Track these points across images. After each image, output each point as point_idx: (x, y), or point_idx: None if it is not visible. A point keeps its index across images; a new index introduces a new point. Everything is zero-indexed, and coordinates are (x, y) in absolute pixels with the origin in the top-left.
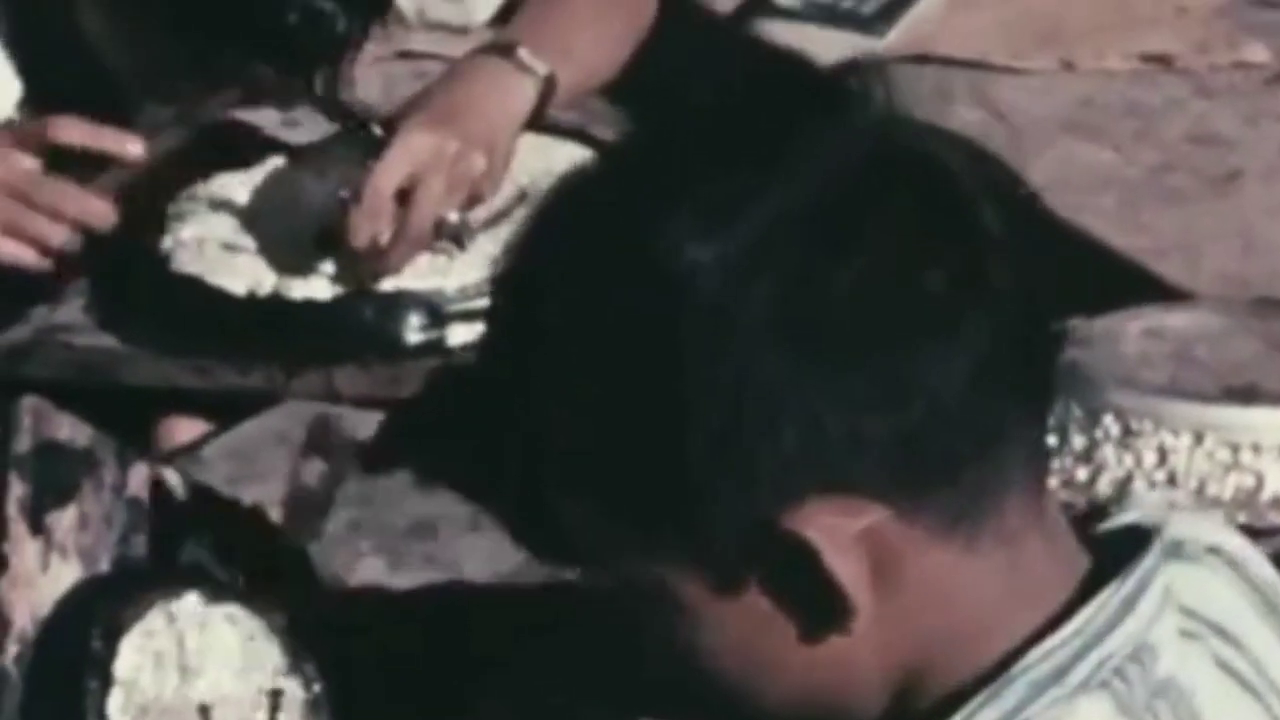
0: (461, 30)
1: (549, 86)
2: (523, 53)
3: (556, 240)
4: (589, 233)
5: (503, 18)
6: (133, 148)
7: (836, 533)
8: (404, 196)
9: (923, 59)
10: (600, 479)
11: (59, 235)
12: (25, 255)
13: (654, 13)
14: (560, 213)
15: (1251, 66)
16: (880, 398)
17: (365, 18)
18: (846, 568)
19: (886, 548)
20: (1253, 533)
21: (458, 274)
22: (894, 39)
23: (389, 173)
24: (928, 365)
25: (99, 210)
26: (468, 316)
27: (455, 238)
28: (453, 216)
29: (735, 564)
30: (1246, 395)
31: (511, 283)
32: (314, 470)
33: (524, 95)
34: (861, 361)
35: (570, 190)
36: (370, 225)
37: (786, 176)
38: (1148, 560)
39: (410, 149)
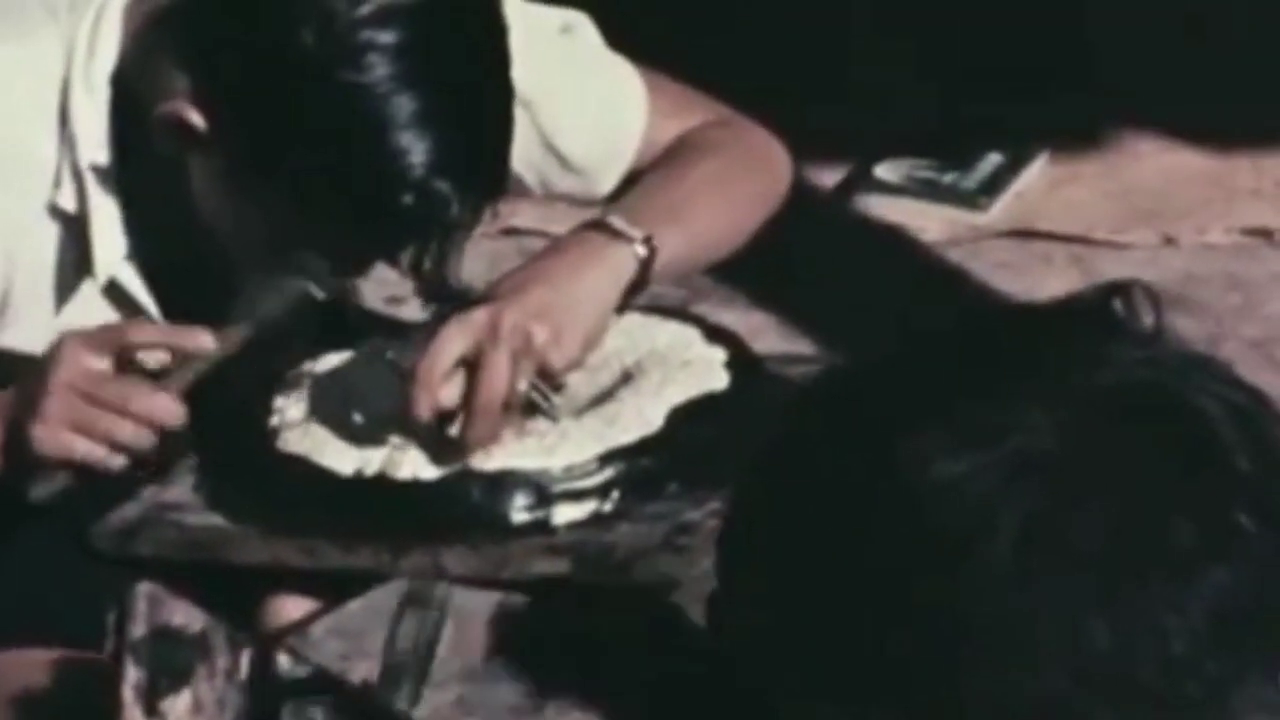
0: (585, 203)
1: (650, 252)
2: (616, 220)
3: (804, 445)
4: (840, 438)
5: (627, 189)
6: (204, 341)
7: None
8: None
9: (1025, 233)
10: (822, 673)
11: (126, 432)
12: (96, 452)
13: (788, 181)
14: (811, 417)
15: None
16: (1110, 642)
17: (480, 199)
18: None
19: None
20: None
21: (564, 453)
22: (996, 213)
23: (444, 342)
24: (1162, 614)
25: (165, 407)
26: (574, 496)
27: (541, 411)
28: (522, 387)
29: None
30: None
31: (757, 483)
32: (409, 632)
33: (617, 264)
34: (1095, 606)
35: (822, 395)
36: (428, 396)
37: (1043, 407)
38: None
39: (468, 321)
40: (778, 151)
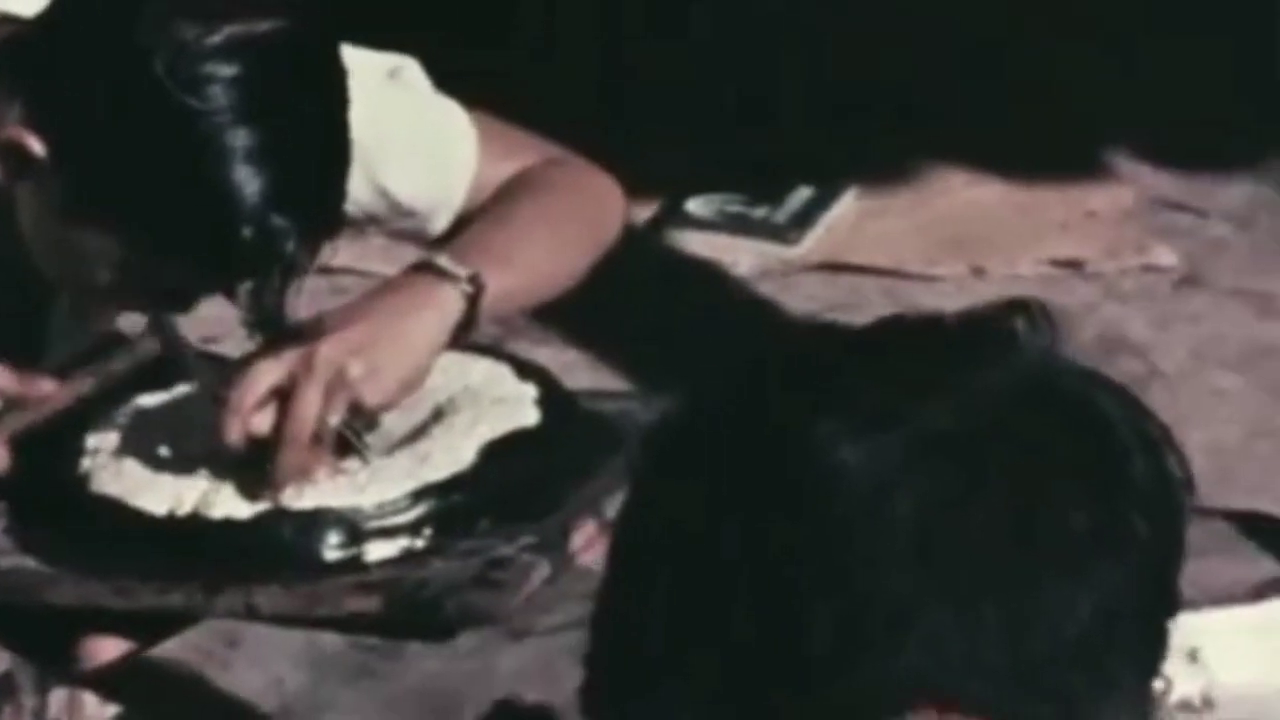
0: (413, 242)
1: (476, 291)
2: (442, 260)
3: (701, 439)
4: (739, 417)
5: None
6: (46, 391)
7: None
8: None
9: (836, 266)
10: (719, 660)
11: None
12: None
13: (621, 219)
14: (710, 402)
15: (1161, 270)
16: (1003, 627)
17: (318, 235)
18: None
19: None
20: None
21: (376, 491)
22: (807, 247)
23: (257, 371)
24: (1054, 602)
25: None
26: (386, 533)
27: (354, 449)
28: (333, 421)
29: None
30: None
31: (657, 464)
32: None
33: (443, 303)
34: (991, 589)
35: (720, 388)
36: (238, 423)
37: (943, 396)
38: None
39: (283, 352)
40: (611, 190)
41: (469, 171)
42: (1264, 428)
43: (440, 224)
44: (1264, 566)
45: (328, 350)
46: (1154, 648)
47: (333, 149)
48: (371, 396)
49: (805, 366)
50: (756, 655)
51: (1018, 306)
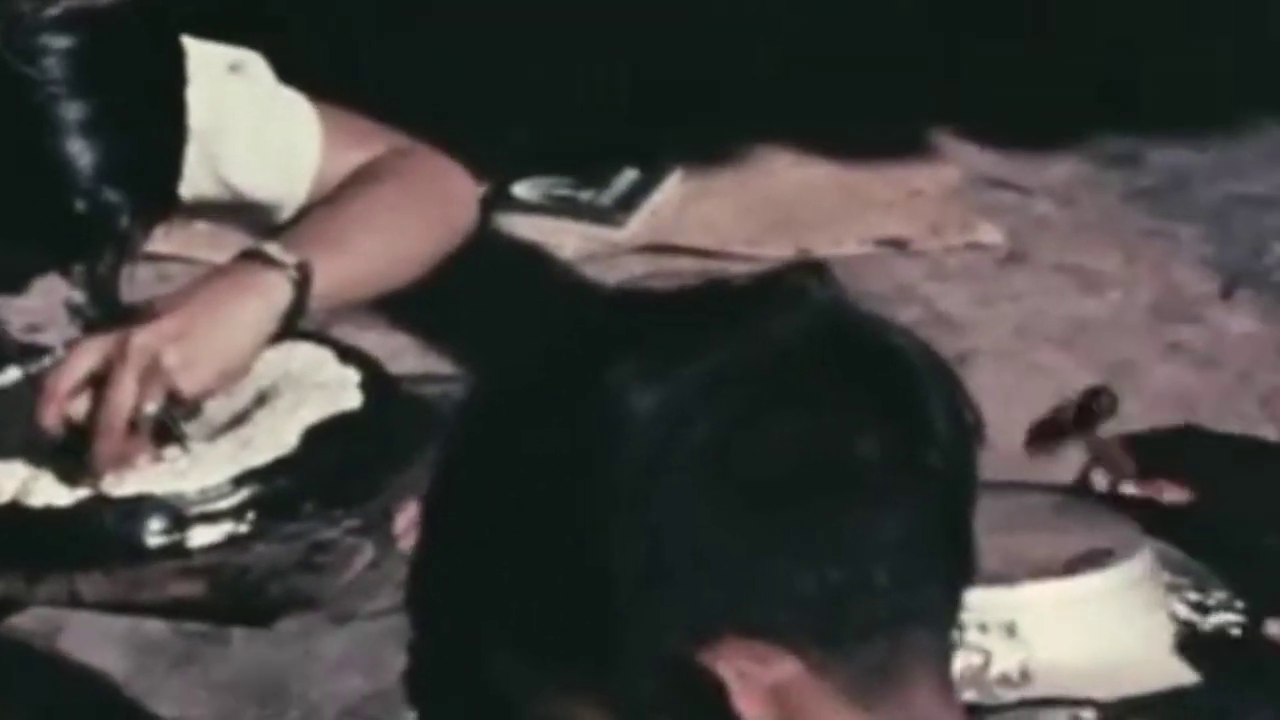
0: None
1: (304, 278)
2: (270, 247)
3: (506, 388)
4: (538, 376)
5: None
6: None
7: (748, 677)
8: None
9: (661, 248)
10: (526, 612)
11: None
12: None
13: (471, 209)
14: (512, 368)
15: (985, 248)
16: (806, 554)
17: (151, 212)
18: (754, 712)
19: (796, 701)
20: (982, 710)
21: (198, 477)
22: (633, 229)
23: (73, 357)
24: (855, 530)
25: None
26: (209, 518)
27: (171, 436)
28: (150, 409)
29: (649, 701)
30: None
31: (465, 425)
32: None
33: (269, 291)
34: (790, 517)
35: (522, 357)
36: (54, 407)
37: (733, 337)
38: None
39: (100, 339)
40: (460, 179)
41: (313, 162)
42: None
43: (283, 215)
44: (1082, 540)
45: (143, 338)
46: (956, 583)
47: (168, 126)
48: (188, 385)
49: (600, 324)
50: (567, 605)
51: (808, 266)
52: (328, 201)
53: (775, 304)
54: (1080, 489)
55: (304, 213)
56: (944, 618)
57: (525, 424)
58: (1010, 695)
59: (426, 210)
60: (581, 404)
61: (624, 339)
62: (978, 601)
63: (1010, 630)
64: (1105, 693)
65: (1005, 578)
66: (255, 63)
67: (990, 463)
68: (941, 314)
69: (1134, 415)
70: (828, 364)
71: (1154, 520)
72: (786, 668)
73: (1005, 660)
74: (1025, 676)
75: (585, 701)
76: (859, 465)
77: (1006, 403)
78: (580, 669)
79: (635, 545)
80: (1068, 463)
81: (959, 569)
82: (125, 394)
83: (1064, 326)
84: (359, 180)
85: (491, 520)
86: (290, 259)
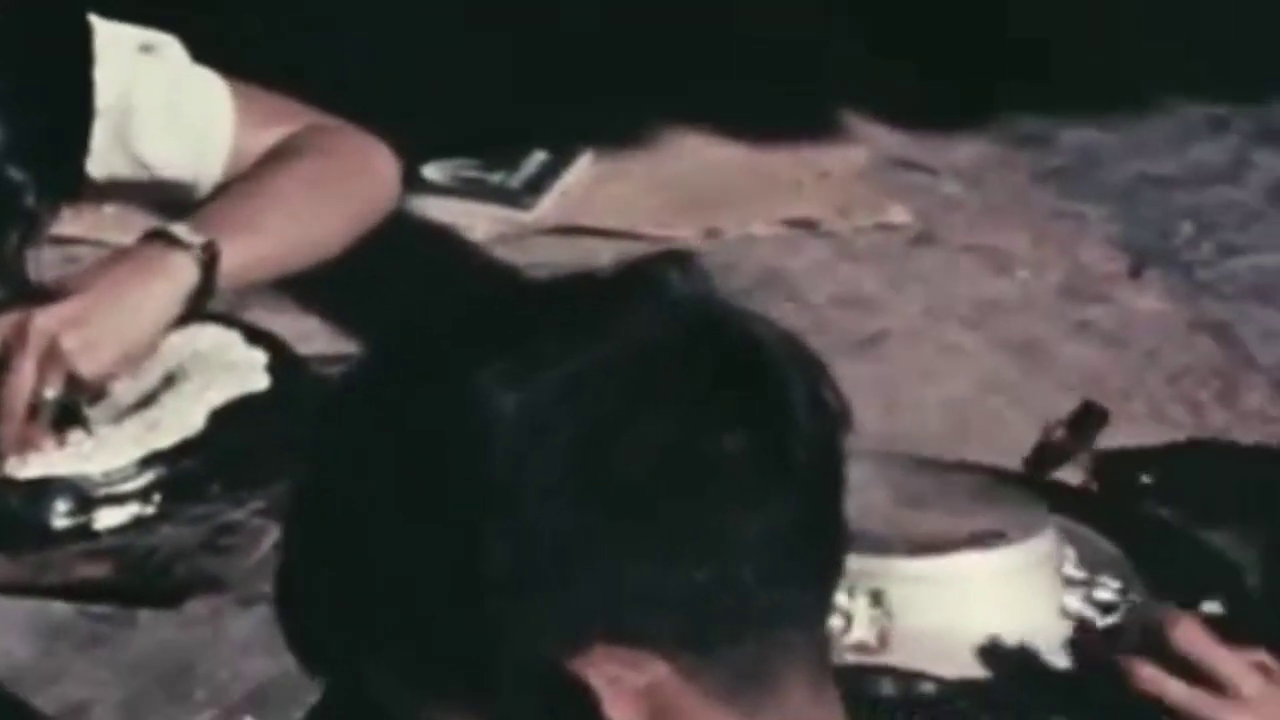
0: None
1: (210, 258)
2: (176, 228)
3: (373, 389)
4: (405, 380)
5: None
6: None
7: (619, 683)
8: None
9: (571, 230)
10: (397, 622)
11: None
12: None
13: (392, 186)
14: (378, 365)
15: (894, 228)
16: (673, 556)
17: (57, 192)
18: (625, 717)
19: (667, 705)
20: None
21: (104, 458)
22: (542, 211)
23: None
24: (722, 530)
25: None
26: (115, 500)
27: (75, 419)
28: (50, 394)
29: (518, 709)
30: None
31: (330, 424)
32: None
33: (175, 272)
34: (656, 519)
35: (391, 345)
36: None
37: (595, 337)
38: None
39: None
40: (380, 155)
41: (226, 138)
42: (996, 383)
43: (198, 194)
44: (983, 521)
45: (42, 321)
46: (825, 578)
47: (73, 105)
48: (88, 368)
49: (470, 320)
50: (439, 614)
51: (671, 257)
52: (241, 179)
53: (637, 299)
54: (1003, 472)
55: (218, 191)
56: (815, 615)
57: (391, 428)
58: (861, 660)
59: (344, 187)
60: (447, 408)
61: (489, 340)
62: (852, 567)
63: (876, 599)
64: (957, 671)
65: (885, 548)
66: (169, 44)
67: (909, 440)
68: (853, 296)
69: (1041, 394)
70: (689, 361)
71: (1086, 511)
72: (657, 672)
73: (865, 627)
74: (883, 643)
75: (463, 715)
76: (722, 463)
77: (918, 382)
78: (454, 681)
79: (504, 550)
80: (982, 440)
81: (828, 565)
82: (24, 378)
83: (973, 306)
84: (275, 157)
85: (359, 528)
86: (196, 239)
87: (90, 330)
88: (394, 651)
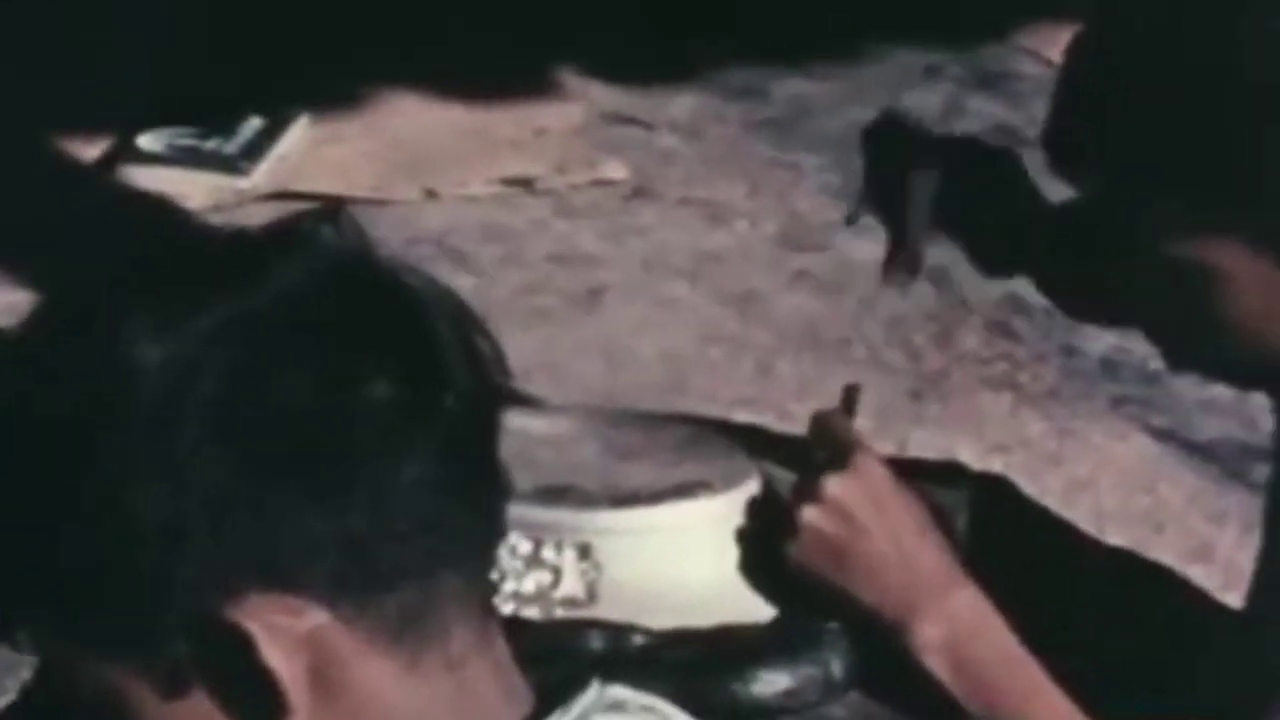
0: None
1: None
2: None
3: (25, 343)
4: (57, 334)
5: None
6: None
7: (276, 630)
8: None
9: (286, 195)
10: (51, 577)
11: None
12: None
13: None
14: (34, 319)
15: (611, 183)
16: (323, 503)
17: None
18: (283, 665)
19: (327, 652)
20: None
21: None
22: (259, 177)
23: None
24: (371, 474)
25: None
26: None
27: None
28: None
29: (178, 661)
30: (558, 495)
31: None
32: None
33: None
34: (304, 468)
35: (48, 301)
36: None
37: (236, 288)
38: (588, 697)
39: None
40: None
41: None
42: (715, 334)
43: None
44: (690, 472)
45: None
46: (488, 524)
47: None
48: None
49: (122, 274)
50: (96, 569)
51: (324, 213)
52: None
53: (287, 253)
54: (712, 422)
55: None
56: (477, 559)
57: (43, 380)
58: (571, 615)
59: None
60: (96, 360)
61: (138, 293)
62: (559, 521)
63: (584, 552)
64: (667, 622)
65: (592, 501)
66: None
67: (629, 394)
68: (570, 251)
69: (760, 344)
70: (337, 311)
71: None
72: (316, 619)
73: (574, 581)
74: (592, 597)
75: (126, 671)
76: (370, 412)
77: (638, 335)
78: (115, 635)
79: (155, 502)
80: (702, 392)
81: (488, 510)
82: None
83: (692, 259)
84: None
85: (15, 481)
86: None
87: None
88: (53, 606)
